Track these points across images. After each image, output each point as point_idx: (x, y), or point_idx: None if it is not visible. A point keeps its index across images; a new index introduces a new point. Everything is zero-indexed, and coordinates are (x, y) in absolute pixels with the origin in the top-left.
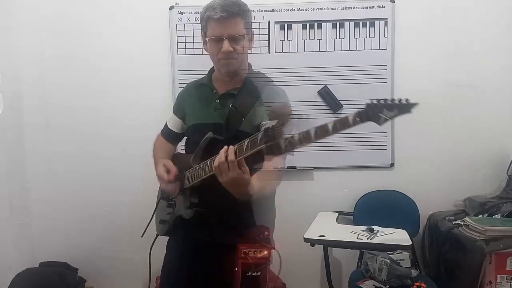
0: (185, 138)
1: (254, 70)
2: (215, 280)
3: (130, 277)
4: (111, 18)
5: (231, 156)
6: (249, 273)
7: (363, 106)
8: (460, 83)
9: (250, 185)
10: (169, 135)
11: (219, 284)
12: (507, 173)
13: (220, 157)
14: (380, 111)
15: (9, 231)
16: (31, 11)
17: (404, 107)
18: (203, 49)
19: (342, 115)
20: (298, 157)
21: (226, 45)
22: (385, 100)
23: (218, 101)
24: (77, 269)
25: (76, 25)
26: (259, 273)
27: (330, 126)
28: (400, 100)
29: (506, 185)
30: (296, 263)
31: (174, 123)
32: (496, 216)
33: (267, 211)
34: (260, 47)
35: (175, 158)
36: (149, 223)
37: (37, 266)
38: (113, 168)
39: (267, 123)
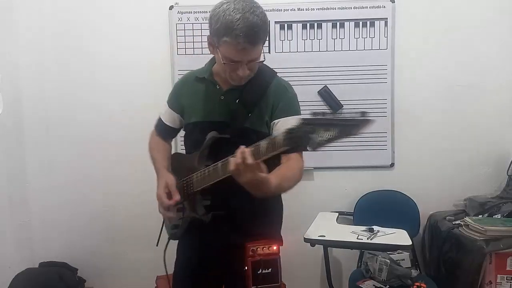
0: (182, 136)
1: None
2: (231, 281)
3: (130, 277)
4: (111, 18)
5: (249, 160)
6: (260, 270)
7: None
8: (460, 83)
9: (269, 184)
10: (165, 131)
11: (236, 285)
12: (507, 173)
13: (237, 158)
14: (311, 132)
15: (9, 231)
16: (31, 11)
17: (349, 128)
18: (209, 50)
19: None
20: None
21: (243, 70)
22: (324, 114)
23: (222, 97)
24: (77, 269)
25: (76, 25)
26: (270, 269)
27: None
28: (345, 117)
29: (506, 185)
30: (296, 263)
31: (171, 118)
32: (496, 216)
33: (277, 207)
34: None
35: (175, 158)
36: (161, 230)
37: (37, 266)
38: (113, 168)
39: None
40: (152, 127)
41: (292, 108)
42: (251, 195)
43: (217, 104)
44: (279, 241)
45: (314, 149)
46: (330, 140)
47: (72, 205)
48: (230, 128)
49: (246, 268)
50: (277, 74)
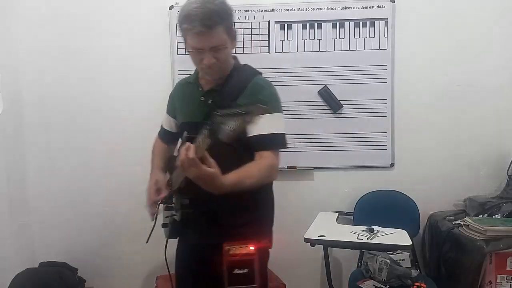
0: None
1: (241, 64)
2: (210, 281)
3: (130, 277)
4: (111, 18)
5: (191, 154)
6: (235, 270)
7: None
8: (460, 83)
9: (221, 181)
10: (165, 136)
11: (214, 285)
12: (507, 173)
13: (181, 155)
14: (223, 124)
15: (9, 231)
16: (31, 11)
17: (246, 116)
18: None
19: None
20: (298, 157)
21: (207, 59)
22: (231, 107)
23: (203, 98)
24: (77, 269)
25: (76, 25)
26: (246, 270)
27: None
28: (243, 108)
29: (506, 185)
30: (296, 263)
31: (168, 123)
32: (496, 216)
33: (262, 208)
34: (260, 47)
35: (170, 160)
36: (152, 228)
37: (37, 266)
38: (113, 168)
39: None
40: (152, 127)
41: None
42: (229, 194)
43: (197, 105)
44: (265, 241)
45: (228, 140)
46: (236, 130)
47: (72, 205)
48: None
49: (224, 267)
50: (261, 74)
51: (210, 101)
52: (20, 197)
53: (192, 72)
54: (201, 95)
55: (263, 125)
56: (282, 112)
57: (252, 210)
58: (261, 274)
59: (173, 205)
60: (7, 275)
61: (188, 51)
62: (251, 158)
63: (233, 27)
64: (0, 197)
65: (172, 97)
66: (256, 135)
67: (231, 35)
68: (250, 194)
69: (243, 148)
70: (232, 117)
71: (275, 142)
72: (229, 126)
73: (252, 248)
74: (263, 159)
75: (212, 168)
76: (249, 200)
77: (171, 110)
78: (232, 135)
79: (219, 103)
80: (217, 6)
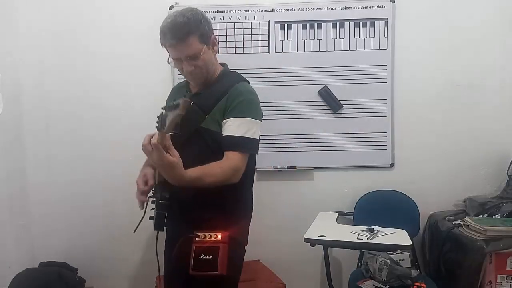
0: None
1: (229, 70)
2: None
3: (130, 277)
4: (111, 18)
5: (153, 139)
6: (201, 256)
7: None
8: (460, 83)
9: (181, 172)
10: None
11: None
12: (507, 173)
13: (144, 140)
14: (166, 115)
15: (9, 231)
16: (31, 12)
17: (175, 108)
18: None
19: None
20: (298, 157)
21: (186, 66)
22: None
23: (162, 111)
24: (77, 269)
25: (76, 26)
26: (210, 256)
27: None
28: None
29: (506, 185)
30: (296, 263)
31: None
32: (496, 216)
33: (232, 205)
34: (260, 47)
35: None
36: (140, 221)
37: (37, 266)
38: (113, 168)
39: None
40: (152, 127)
41: (239, 110)
42: (202, 189)
43: None
44: (236, 236)
45: (169, 131)
46: (173, 120)
47: (72, 205)
48: (186, 127)
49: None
50: (248, 82)
51: (192, 103)
52: (20, 197)
53: None
54: (188, 98)
55: (236, 127)
56: (259, 120)
57: (222, 206)
58: (230, 265)
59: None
60: (7, 275)
61: (168, 62)
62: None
63: (208, 34)
64: (0, 197)
65: (168, 100)
66: (227, 135)
67: (207, 42)
68: (220, 191)
69: (217, 148)
70: (171, 109)
71: (244, 145)
72: (169, 117)
73: (219, 237)
74: (228, 160)
75: (174, 158)
76: (218, 196)
77: None
78: (170, 125)
79: (200, 105)
80: (187, 18)
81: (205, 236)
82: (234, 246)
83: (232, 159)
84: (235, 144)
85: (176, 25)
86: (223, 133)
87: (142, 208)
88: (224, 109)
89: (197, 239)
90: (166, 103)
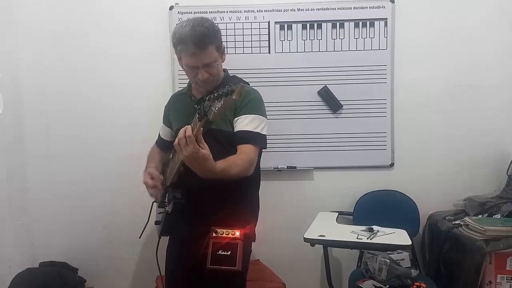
0: None
1: (230, 75)
2: (199, 273)
3: (130, 277)
4: (111, 19)
5: (188, 132)
6: (219, 251)
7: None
8: (460, 83)
9: (212, 163)
10: (162, 143)
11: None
12: (507, 173)
13: (179, 134)
14: (210, 106)
15: (9, 231)
16: (31, 12)
17: (227, 94)
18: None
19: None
20: (298, 157)
21: (202, 74)
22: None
23: (196, 106)
24: (77, 269)
25: (76, 26)
26: (229, 252)
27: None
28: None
29: (506, 185)
30: (296, 263)
31: (164, 132)
32: (496, 216)
33: (247, 202)
34: (260, 47)
35: (166, 164)
36: (145, 226)
37: (37, 266)
38: (113, 169)
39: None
40: (152, 128)
41: (250, 108)
42: (218, 188)
43: (191, 111)
44: (249, 232)
45: (215, 119)
46: (221, 109)
47: (73, 205)
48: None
49: (208, 249)
50: (248, 84)
51: (200, 106)
52: (20, 197)
53: None
54: (195, 103)
55: (248, 123)
56: (266, 117)
57: (238, 202)
58: (242, 262)
59: (165, 201)
60: (7, 275)
61: (183, 68)
62: (230, 151)
63: (222, 44)
64: (0, 197)
65: (167, 108)
66: (240, 130)
67: (221, 51)
68: (235, 187)
69: (231, 147)
70: (217, 98)
71: (256, 139)
72: (215, 107)
73: (238, 233)
74: (244, 153)
75: (205, 150)
76: (234, 192)
77: (166, 120)
78: (218, 114)
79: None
80: (207, 28)
81: (223, 232)
82: (248, 243)
83: (247, 152)
84: (248, 137)
85: (197, 34)
86: (235, 129)
87: (159, 200)
88: (234, 108)
89: (214, 234)
90: (165, 111)
